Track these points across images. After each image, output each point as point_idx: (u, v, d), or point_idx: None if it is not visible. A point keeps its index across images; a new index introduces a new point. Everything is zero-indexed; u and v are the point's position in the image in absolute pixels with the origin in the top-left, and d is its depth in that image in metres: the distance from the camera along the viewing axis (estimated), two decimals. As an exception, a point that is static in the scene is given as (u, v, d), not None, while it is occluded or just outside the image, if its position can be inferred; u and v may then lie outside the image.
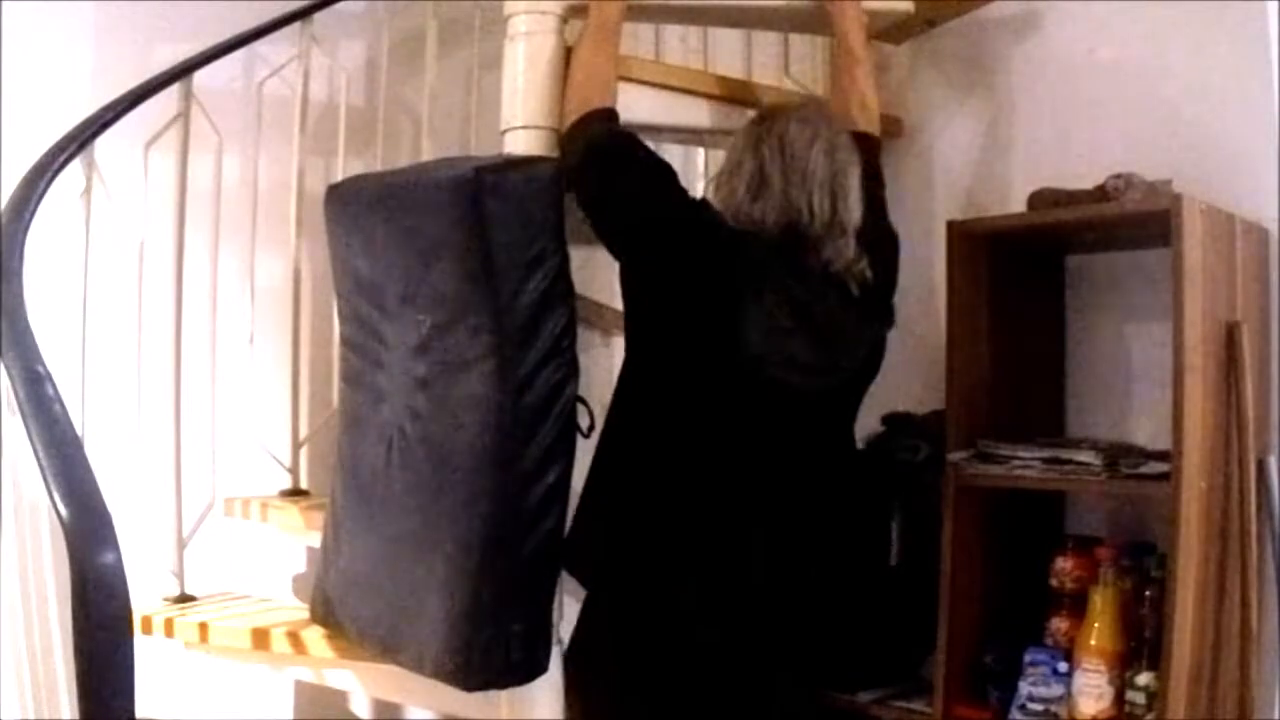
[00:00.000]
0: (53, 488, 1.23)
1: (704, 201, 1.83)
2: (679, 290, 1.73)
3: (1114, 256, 2.08)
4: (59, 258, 2.13)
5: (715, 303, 1.70)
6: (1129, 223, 1.84)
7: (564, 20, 1.89)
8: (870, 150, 1.91)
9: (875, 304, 1.82)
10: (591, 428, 1.78)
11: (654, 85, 1.98)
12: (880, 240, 1.86)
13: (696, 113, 2.04)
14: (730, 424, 1.74)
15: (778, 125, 1.75)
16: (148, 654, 1.64)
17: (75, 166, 2.06)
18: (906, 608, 2.01)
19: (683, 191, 1.81)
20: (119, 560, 1.17)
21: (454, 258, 1.73)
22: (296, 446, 2.52)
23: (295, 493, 2.49)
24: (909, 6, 2.17)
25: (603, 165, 1.78)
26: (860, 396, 1.89)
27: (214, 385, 2.42)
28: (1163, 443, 1.72)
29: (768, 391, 1.72)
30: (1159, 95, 2.03)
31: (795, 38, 2.45)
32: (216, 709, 2.52)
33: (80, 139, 2.04)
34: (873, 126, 2.01)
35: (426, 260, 1.77)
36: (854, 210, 1.74)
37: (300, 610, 2.21)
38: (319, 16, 2.48)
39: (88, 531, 1.19)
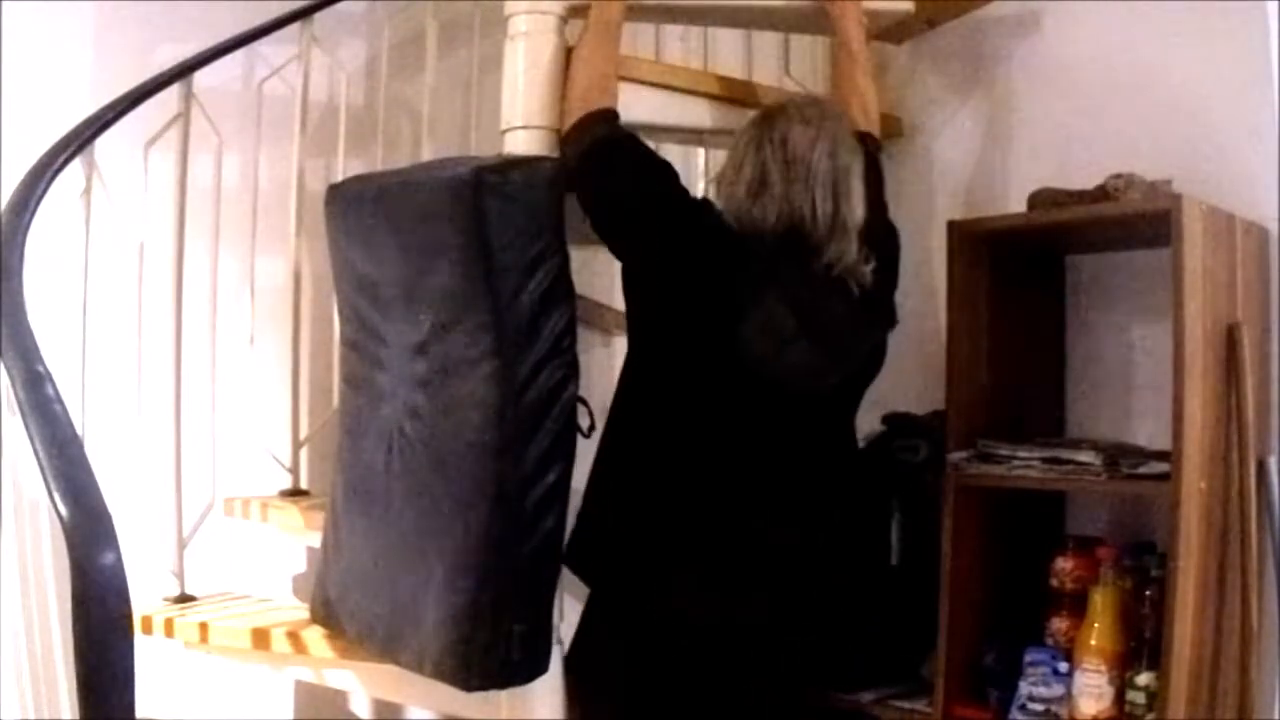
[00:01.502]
0: (53, 488, 1.23)
1: (706, 202, 1.83)
2: (681, 290, 1.73)
3: (1114, 256, 2.08)
4: (59, 258, 2.13)
5: (717, 305, 1.70)
6: (1129, 223, 1.84)
7: (564, 20, 1.89)
8: (870, 150, 1.91)
9: (877, 304, 1.82)
10: (592, 428, 1.78)
11: (654, 85, 1.98)
12: (882, 239, 1.86)
13: (696, 113, 2.04)
14: (730, 423, 1.74)
15: (779, 126, 1.75)
16: (148, 654, 1.64)
17: (75, 166, 2.06)
18: (906, 608, 2.01)
19: (684, 192, 1.81)
20: (119, 560, 1.17)
21: (454, 258, 1.73)
22: (296, 446, 2.52)
23: (295, 493, 2.49)
24: (909, 6, 2.17)
25: (603, 167, 1.78)
26: (860, 395, 1.89)
27: (214, 385, 2.42)
28: (1163, 443, 1.72)
29: (768, 393, 1.72)
30: (1159, 95, 2.03)
31: (795, 38, 2.45)
32: (216, 709, 2.52)
33: (80, 139, 2.04)
34: (873, 127, 2.01)
35: (427, 260, 1.77)
36: (857, 210, 1.74)
37: (300, 610, 2.21)
38: (319, 16, 2.48)
39: (88, 531, 1.19)
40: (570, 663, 1.84)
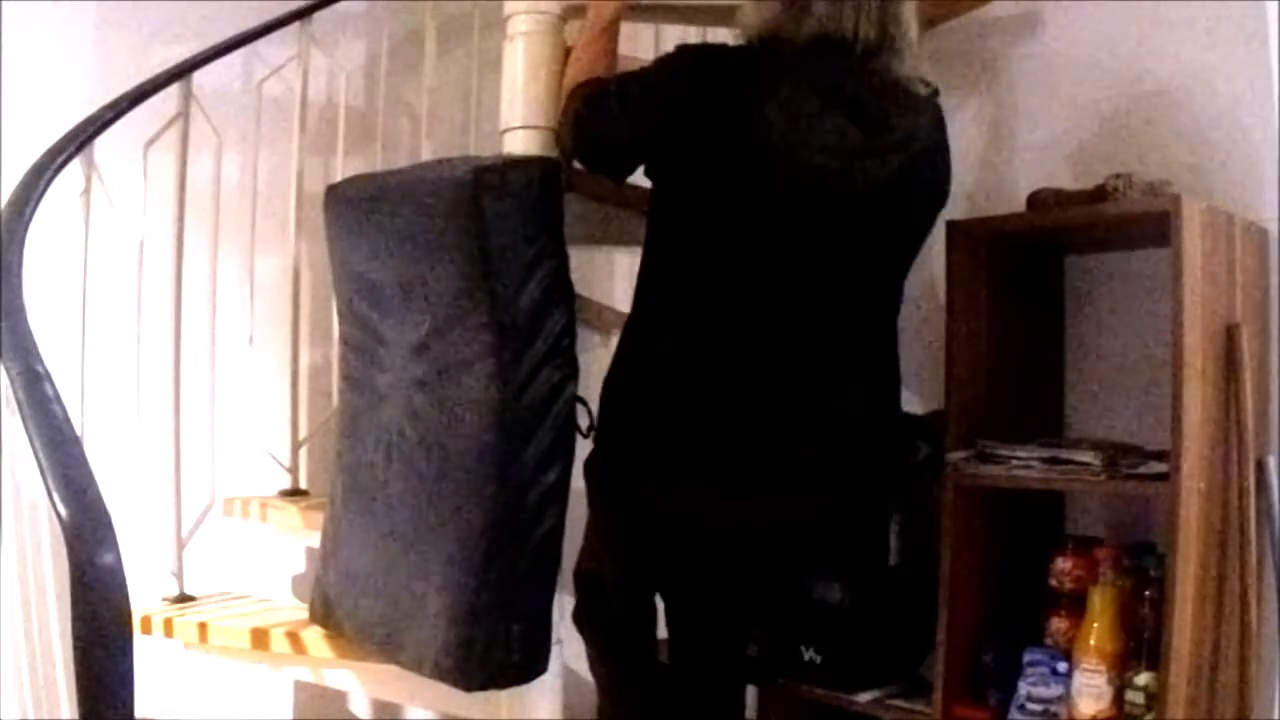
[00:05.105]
0: (53, 488, 1.23)
1: (682, 47, 1.72)
2: (697, 143, 1.60)
3: (1114, 256, 2.08)
4: (59, 258, 2.13)
5: (730, 118, 1.56)
6: (1129, 223, 1.84)
7: (564, 20, 1.90)
8: None
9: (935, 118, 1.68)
10: (591, 427, 1.78)
11: (654, 85, 1.98)
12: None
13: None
14: (757, 296, 1.60)
15: None
16: (148, 654, 1.64)
17: (75, 166, 2.06)
18: (906, 608, 2.01)
19: (659, 69, 1.70)
20: (119, 560, 1.17)
21: (453, 258, 1.73)
22: (296, 446, 2.52)
23: (295, 493, 2.50)
24: (909, 6, 2.17)
25: (587, 115, 1.72)
26: (916, 233, 1.69)
27: (214, 385, 2.42)
28: (1163, 443, 1.72)
29: (804, 198, 1.56)
30: (1159, 95, 2.03)
31: (795, 38, 2.45)
32: (216, 709, 2.52)
33: (80, 139, 2.04)
34: None
35: (426, 260, 1.77)
36: (909, 29, 1.60)
37: (300, 610, 2.21)
38: (319, 16, 2.48)
39: (88, 531, 1.19)
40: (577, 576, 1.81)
